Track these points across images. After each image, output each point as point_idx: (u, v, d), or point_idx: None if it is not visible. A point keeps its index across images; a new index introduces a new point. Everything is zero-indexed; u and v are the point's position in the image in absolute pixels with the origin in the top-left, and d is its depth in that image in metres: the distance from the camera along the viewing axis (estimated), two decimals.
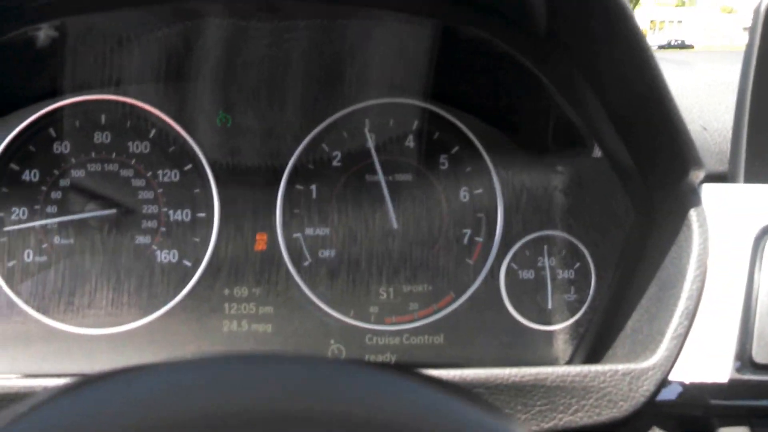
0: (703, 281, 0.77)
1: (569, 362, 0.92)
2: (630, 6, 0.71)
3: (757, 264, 0.84)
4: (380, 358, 0.92)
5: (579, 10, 0.75)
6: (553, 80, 0.84)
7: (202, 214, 0.92)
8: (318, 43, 0.88)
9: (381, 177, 0.92)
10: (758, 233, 0.85)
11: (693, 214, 0.79)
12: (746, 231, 0.85)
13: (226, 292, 0.92)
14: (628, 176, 0.87)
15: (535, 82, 0.84)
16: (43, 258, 0.90)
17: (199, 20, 0.85)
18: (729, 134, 0.98)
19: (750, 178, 0.91)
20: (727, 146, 0.98)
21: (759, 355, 0.79)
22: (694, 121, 1.05)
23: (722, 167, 0.98)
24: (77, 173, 0.91)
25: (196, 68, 0.91)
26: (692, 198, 0.80)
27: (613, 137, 0.85)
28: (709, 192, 0.84)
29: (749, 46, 0.91)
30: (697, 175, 0.79)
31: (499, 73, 0.89)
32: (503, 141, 0.93)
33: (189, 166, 0.92)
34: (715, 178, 0.95)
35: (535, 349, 0.93)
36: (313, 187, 0.93)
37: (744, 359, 0.80)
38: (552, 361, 0.92)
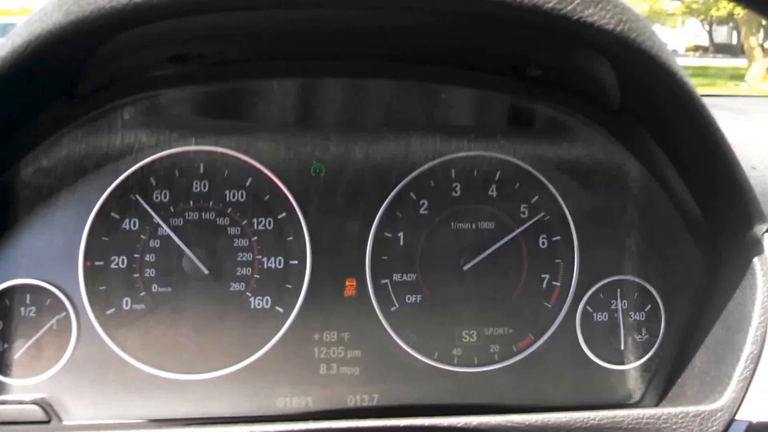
0: (766, 326, 0.85)
1: (641, 400, 0.99)
2: (691, 82, 0.80)
3: None
4: (463, 400, 0.97)
5: (648, 89, 0.84)
6: (626, 144, 0.93)
7: (294, 261, 0.97)
8: (407, 100, 0.95)
9: (465, 225, 0.99)
10: None
11: (757, 262, 0.87)
12: None
13: (317, 336, 0.97)
14: (697, 226, 0.95)
15: (611, 146, 0.92)
16: (141, 306, 0.95)
17: (297, 79, 0.91)
18: None
19: None
20: None
21: None
22: (744, 161, 1.12)
23: None
24: (175, 222, 0.96)
25: (291, 120, 0.97)
26: (756, 247, 0.88)
27: (683, 191, 0.94)
28: None
29: None
30: (761, 228, 0.87)
31: (576, 135, 0.96)
32: (580, 191, 1.00)
33: (283, 215, 0.97)
34: None
35: (609, 387, 0.99)
36: (401, 234, 0.99)
37: None
38: (625, 398, 0.99)
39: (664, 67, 0.78)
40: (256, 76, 0.94)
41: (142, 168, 0.95)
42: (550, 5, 0.72)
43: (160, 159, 0.96)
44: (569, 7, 0.72)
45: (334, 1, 0.74)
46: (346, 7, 0.76)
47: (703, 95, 0.82)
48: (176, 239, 0.95)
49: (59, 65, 0.79)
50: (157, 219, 0.95)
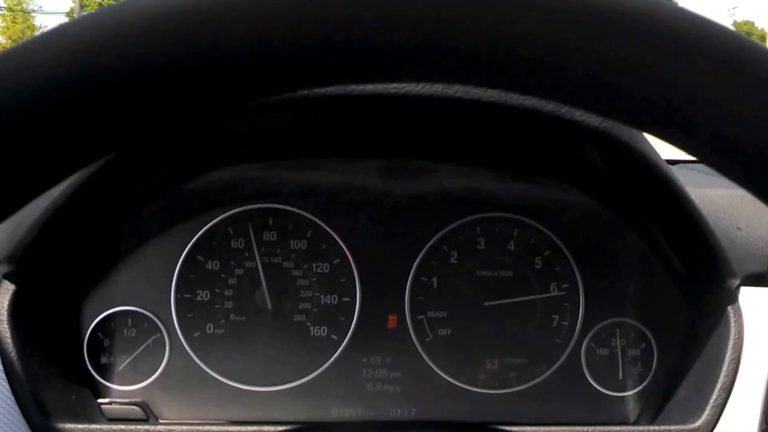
0: (737, 363, 1.00)
1: (636, 421, 1.16)
2: (669, 170, 0.99)
3: None
4: (485, 418, 1.17)
5: (630, 172, 1.04)
6: (619, 213, 1.12)
7: (346, 299, 1.17)
8: (441, 179, 1.17)
9: (488, 273, 1.19)
10: None
11: (730, 311, 1.01)
12: None
13: (364, 360, 1.16)
14: (682, 280, 1.12)
15: (606, 214, 1.13)
16: (222, 331, 1.16)
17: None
18: (760, 233, 1.21)
19: None
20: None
21: None
22: (731, 223, 1.29)
23: (763, 267, 1.20)
24: (249, 264, 1.17)
25: (346, 187, 1.19)
26: (730, 298, 1.02)
27: (668, 251, 1.11)
28: (747, 293, 1.05)
29: None
30: (734, 282, 1.03)
31: (578, 204, 1.17)
32: (585, 247, 1.19)
33: (337, 261, 1.18)
34: (757, 277, 1.17)
35: (609, 410, 1.16)
36: (435, 279, 1.18)
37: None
38: (622, 420, 1.16)
39: (640, 154, 0.97)
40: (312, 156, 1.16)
41: (223, 220, 1.17)
42: (549, 107, 0.91)
43: (238, 213, 1.17)
44: (563, 110, 0.92)
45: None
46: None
47: (695, 161, 1.00)
48: (249, 278, 1.17)
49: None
50: (233, 262, 1.17)
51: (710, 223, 1.03)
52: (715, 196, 1.16)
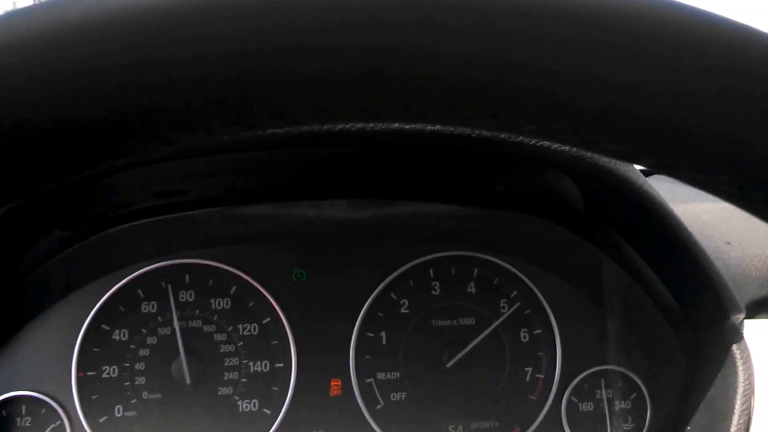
0: (749, 415, 0.86)
1: None
2: (651, 189, 0.85)
3: None
4: None
5: (609, 198, 0.90)
6: (597, 244, 0.97)
7: (280, 365, 1.01)
8: (384, 212, 1.01)
9: (445, 322, 1.02)
10: None
11: (736, 350, 0.88)
12: None
13: None
14: (675, 316, 0.98)
15: (584, 245, 0.96)
16: (133, 413, 0.99)
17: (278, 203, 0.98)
18: (755, 250, 1.07)
19: None
20: (765, 271, 1.08)
21: None
22: (719, 237, 1.14)
23: (764, 292, 1.06)
24: (163, 330, 1.01)
25: (274, 230, 1.02)
26: (734, 336, 0.89)
27: (657, 284, 0.97)
28: (752, 326, 0.94)
29: None
30: (738, 317, 0.89)
31: (549, 235, 1.00)
32: (559, 285, 1.03)
33: (267, 320, 1.02)
34: (759, 304, 1.04)
35: None
36: (383, 334, 1.03)
37: None
38: None
39: (623, 179, 0.82)
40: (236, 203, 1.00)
41: (130, 282, 1.01)
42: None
43: (147, 273, 1.01)
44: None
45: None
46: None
47: None
48: (163, 348, 0.99)
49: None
50: (144, 329, 1.00)
51: (702, 246, 0.89)
52: (701, 212, 1.02)
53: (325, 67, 0.28)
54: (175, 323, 1.01)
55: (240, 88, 0.29)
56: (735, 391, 0.86)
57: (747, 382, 0.86)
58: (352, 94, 0.29)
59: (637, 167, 0.91)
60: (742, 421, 0.85)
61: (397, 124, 0.81)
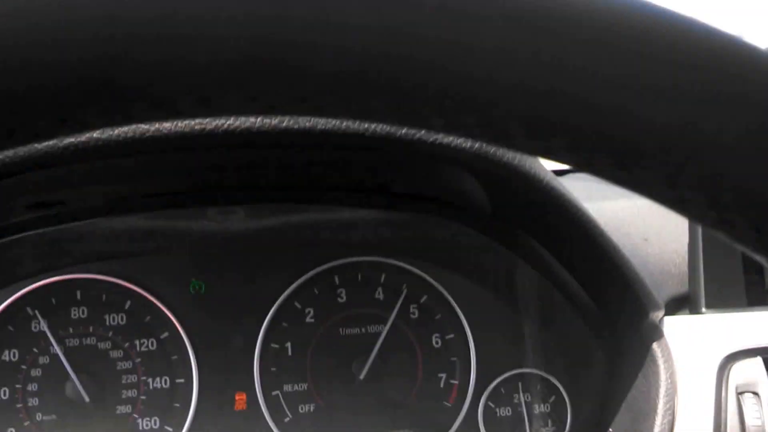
0: (673, 414, 0.84)
1: None
2: (560, 185, 0.81)
3: (723, 392, 0.90)
4: None
5: (515, 196, 0.86)
6: (507, 245, 0.92)
7: (181, 380, 0.97)
8: (285, 218, 0.96)
9: (353, 330, 0.98)
10: (721, 362, 0.91)
11: (657, 348, 0.86)
12: (710, 360, 0.91)
13: None
14: (592, 317, 0.95)
15: (493, 247, 0.92)
16: None
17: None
18: (674, 246, 1.03)
19: (711, 304, 0.96)
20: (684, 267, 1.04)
21: None
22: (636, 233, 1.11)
23: (684, 288, 1.03)
24: (55, 350, 0.96)
25: (167, 241, 0.97)
26: (654, 334, 0.86)
27: (573, 284, 0.93)
28: (672, 323, 0.91)
29: None
30: (657, 315, 0.86)
31: (457, 237, 0.96)
32: (470, 289, 0.99)
33: (165, 335, 0.97)
34: (679, 300, 1.00)
35: None
36: (288, 344, 0.98)
37: None
38: None
39: (529, 176, 0.78)
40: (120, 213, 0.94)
41: (18, 299, 0.96)
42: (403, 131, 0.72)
43: (35, 290, 0.96)
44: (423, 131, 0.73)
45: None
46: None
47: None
48: (57, 367, 0.94)
49: None
50: (36, 349, 0.95)
51: (618, 244, 0.86)
52: (618, 209, 0.98)
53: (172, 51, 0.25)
54: (55, 345, 0.95)
55: (110, 73, 0.26)
56: (657, 391, 0.84)
57: (669, 380, 0.84)
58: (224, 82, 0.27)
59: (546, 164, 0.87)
60: (665, 421, 0.83)
61: (285, 124, 0.76)
